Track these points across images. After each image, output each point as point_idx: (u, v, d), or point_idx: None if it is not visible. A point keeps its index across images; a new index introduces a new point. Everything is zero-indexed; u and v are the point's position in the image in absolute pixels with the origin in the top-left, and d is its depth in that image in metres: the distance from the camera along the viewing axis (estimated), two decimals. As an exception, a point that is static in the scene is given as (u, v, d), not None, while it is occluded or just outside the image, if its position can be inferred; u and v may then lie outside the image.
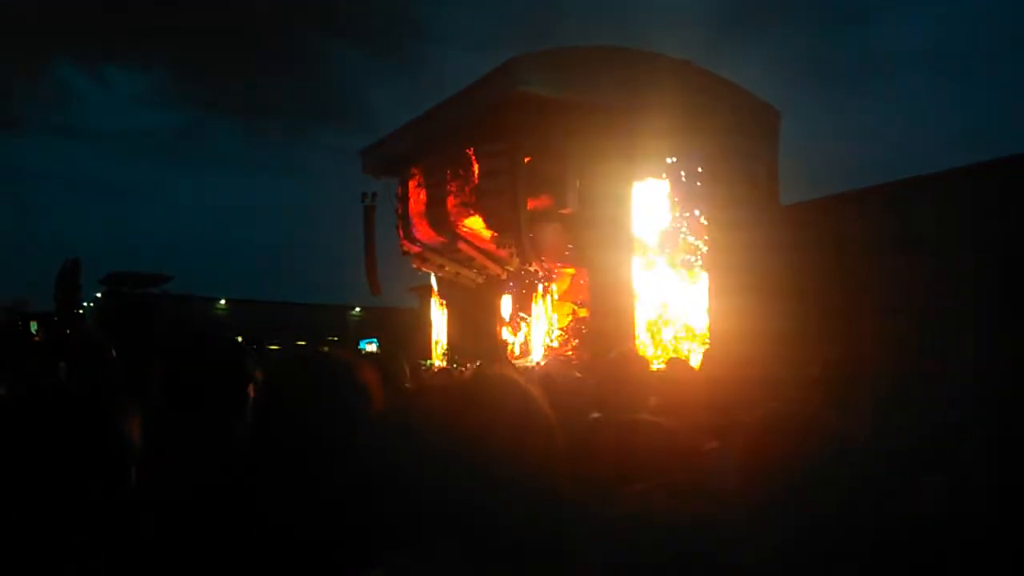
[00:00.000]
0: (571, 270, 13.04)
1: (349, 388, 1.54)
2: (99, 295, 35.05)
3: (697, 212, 10.79)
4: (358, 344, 21.25)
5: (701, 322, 10.54)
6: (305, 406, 1.51)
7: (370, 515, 1.07)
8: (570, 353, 12.85)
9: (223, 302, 41.20)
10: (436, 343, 16.05)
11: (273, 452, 1.50)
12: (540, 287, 13.83)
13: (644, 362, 3.16)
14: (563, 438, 1.11)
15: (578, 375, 3.67)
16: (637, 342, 10.51)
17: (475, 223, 12.93)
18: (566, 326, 13.26)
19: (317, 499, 1.38)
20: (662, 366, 6.38)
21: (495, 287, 14.83)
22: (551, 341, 13.39)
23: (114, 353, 3.99)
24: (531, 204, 11.86)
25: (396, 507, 1.00)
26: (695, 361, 9.91)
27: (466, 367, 11.42)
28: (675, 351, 10.64)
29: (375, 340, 22.56)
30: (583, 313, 12.84)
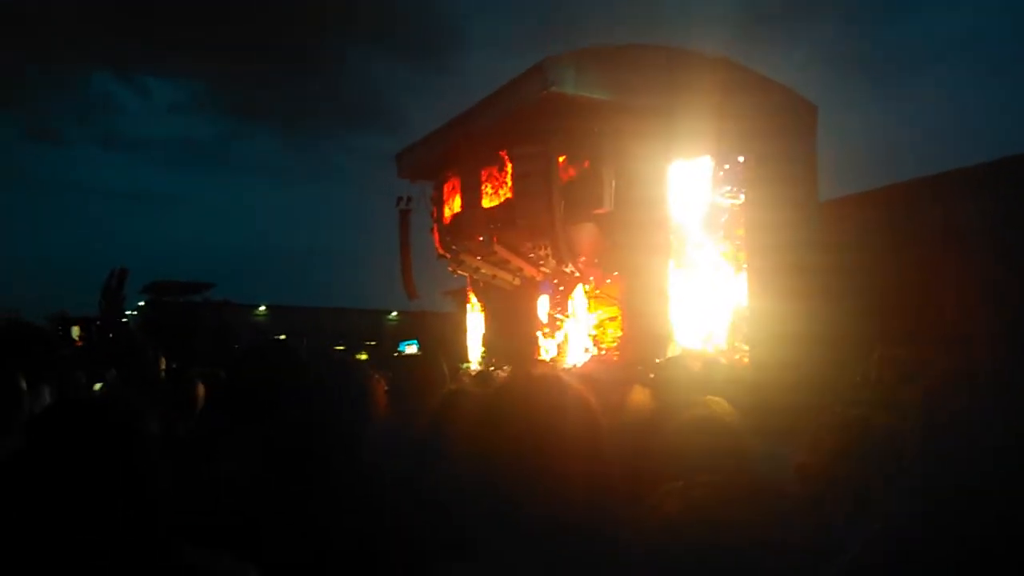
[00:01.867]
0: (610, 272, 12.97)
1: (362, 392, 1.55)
2: (142, 303, 35.73)
3: (740, 198, 10.65)
4: (398, 347, 21.38)
5: (743, 320, 10.42)
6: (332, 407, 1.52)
7: (419, 524, 1.06)
8: (605, 352, 12.79)
9: (263, 308, 41.75)
10: (474, 346, 16.06)
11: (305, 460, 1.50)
12: (577, 288, 13.78)
13: (696, 363, 3.13)
14: (610, 436, 1.09)
15: (619, 375, 3.63)
16: (680, 344, 10.40)
17: (510, 224, 12.93)
18: (603, 327, 13.20)
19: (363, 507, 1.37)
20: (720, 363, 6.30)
21: (531, 289, 14.81)
22: (589, 343, 13.34)
23: (163, 362, 4.04)
24: (566, 205, 11.83)
25: (445, 518, 0.99)
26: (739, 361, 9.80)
27: (503, 369, 11.40)
28: (720, 351, 10.52)
29: (415, 342, 22.69)
30: (613, 313, 12.80)
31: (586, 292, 13.66)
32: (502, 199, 12.88)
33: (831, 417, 1.50)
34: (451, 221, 14.48)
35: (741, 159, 10.45)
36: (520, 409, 1.04)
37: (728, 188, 10.57)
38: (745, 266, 10.30)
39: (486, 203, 13.22)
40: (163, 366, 3.41)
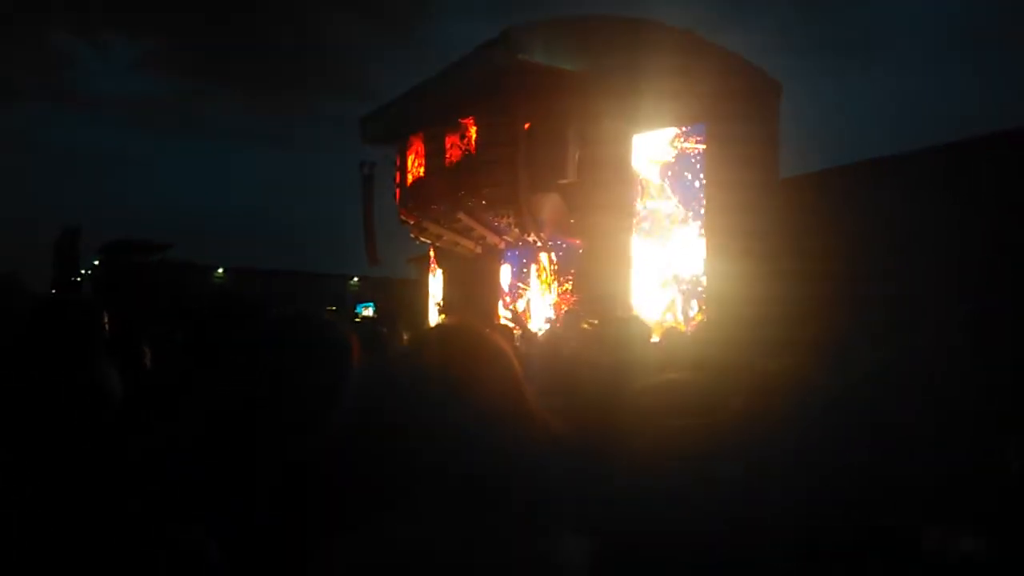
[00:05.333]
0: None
1: (333, 344, 1.55)
2: (96, 263, 34.98)
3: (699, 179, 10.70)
4: (355, 309, 21.26)
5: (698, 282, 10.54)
6: (295, 360, 1.53)
7: (351, 475, 1.08)
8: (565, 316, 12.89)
9: (221, 271, 41.18)
10: (434, 311, 16.08)
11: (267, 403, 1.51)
12: (540, 257, 13.84)
13: (647, 328, 3.19)
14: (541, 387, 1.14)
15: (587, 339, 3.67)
16: (635, 311, 10.51)
17: (474, 193, 12.90)
18: (563, 295, 13.31)
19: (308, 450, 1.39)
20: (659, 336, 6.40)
21: (494, 258, 14.83)
22: (549, 311, 13.44)
23: (105, 319, 3.99)
24: (530, 174, 11.83)
25: (378, 467, 1.01)
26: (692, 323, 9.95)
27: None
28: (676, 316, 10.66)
29: (372, 304, 22.57)
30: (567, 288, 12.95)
31: (549, 261, 13.73)
32: (466, 167, 12.84)
33: (769, 376, 1.68)
34: (414, 187, 14.39)
35: (700, 129, 10.53)
36: (436, 357, 1.09)
37: (693, 137, 10.59)
38: (703, 234, 10.42)
39: (450, 170, 13.16)
40: (105, 320, 3.35)
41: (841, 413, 1.84)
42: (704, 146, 10.56)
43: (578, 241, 12.66)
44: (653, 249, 11.19)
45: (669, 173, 11.03)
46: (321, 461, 1.26)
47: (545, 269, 13.85)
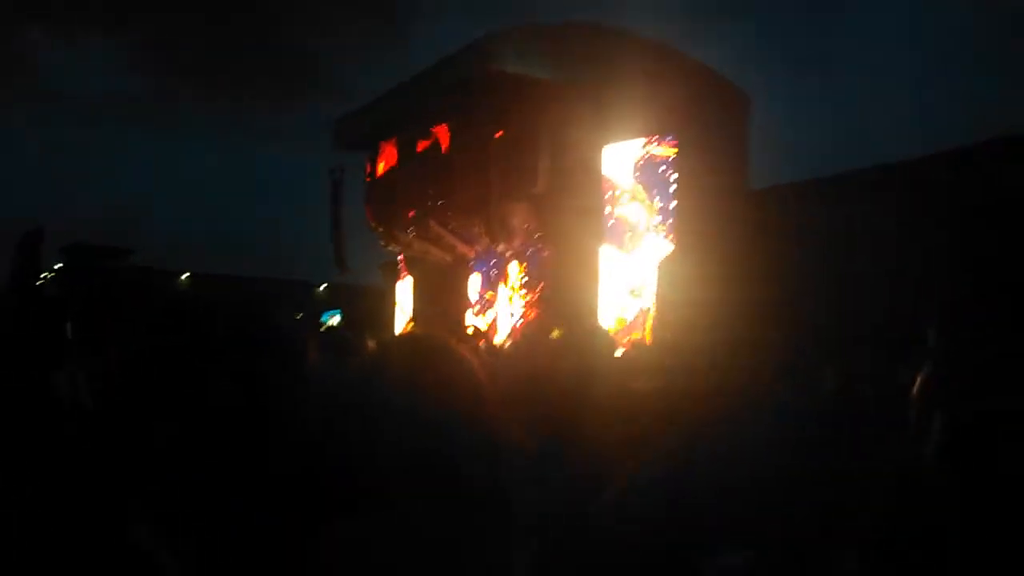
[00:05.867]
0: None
1: (286, 344, 1.54)
2: (58, 266, 34.37)
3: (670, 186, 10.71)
4: (320, 317, 21.04)
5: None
6: (251, 358, 1.51)
7: (326, 473, 1.08)
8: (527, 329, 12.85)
9: (185, 276, 40.64)
10: (402, 320, 15.98)
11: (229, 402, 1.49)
12: (510, 267, 13.83)
13: (611, 339, 3.19)
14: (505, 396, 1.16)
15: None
16: (599, 322, 10.53)
17: (444, 200, 12.86)
18: (531, 304, 13.30)
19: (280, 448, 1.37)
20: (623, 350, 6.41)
21: (464, 266, 14.79)
22: (517, 322, 13.41)
23: (68, 327, 3.92)
24: (500, 183, 11.83)
25: (354, 463, 1.01)
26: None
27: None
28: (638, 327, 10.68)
29: (338, 312, 22.33)
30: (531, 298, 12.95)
31: (518, 272, 13.72)
32: (437, 173, 12.81)
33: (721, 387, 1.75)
34: (384, 194, 14.32)
35: (671, 139, 10.57)
36: (402, 363, 1.13)
37: (664, 138, 10.59)
38: (670, 241, 10.45)
39: (420, 177, 13.12)
40: (68, 325, 3.29)
41: (795, 422, 1.89)
42: (675, 151, 10.58)
43: (547, 251, 12.67)
44: (622, 257, 11.22)
45: (637, 174, 11.02)
46: (284, 462, 1.24)
47: (514, 279, 13.83)
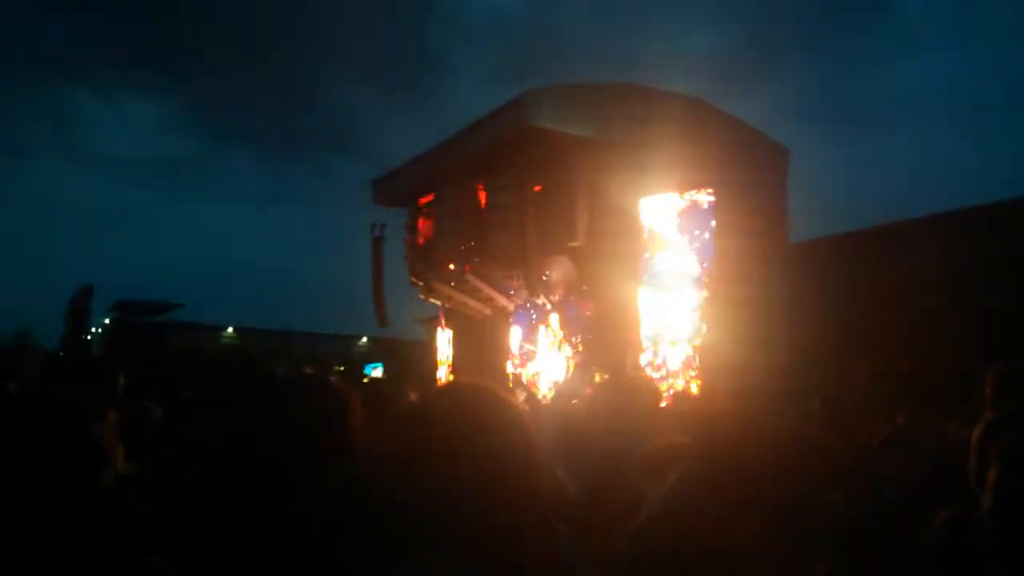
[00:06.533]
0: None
1: (335, 404, 1.56)
2: (107, 321, 35.14)
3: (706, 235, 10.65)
4: (363, 369, 21.20)
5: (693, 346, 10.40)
6: (284, 422, 1.54)
7: (353, 528, 1.07)
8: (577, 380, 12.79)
9: (231, 330, 41.26)
10: (443, 373, 16.01)
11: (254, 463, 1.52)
12: (549, 319, 13.82)
13: (656, 391, 3.18)
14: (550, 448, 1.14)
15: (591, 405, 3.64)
16: (643, 373, 10.44)
17: (483, 254, 12.96)
18: (573, 356, 13.24)
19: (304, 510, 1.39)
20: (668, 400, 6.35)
21: (503, 319, 14.82)
22: (557, 374, 13.35)
23: (122, 380, 4.02)
24: (539, 236, 11.90)
25: (386, 521, 1.00)
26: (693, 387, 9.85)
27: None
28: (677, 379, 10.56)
29: (380, 364, 22.51)
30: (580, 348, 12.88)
31: (559, 323, 13.70)
32: (476, 228, 12.93)
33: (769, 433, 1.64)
34: (424, 248, 14.49)
35: (710, 193, 10.55)
36: (447, 416, 1.07)
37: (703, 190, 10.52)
38: (706, 295, 10.37)
39: (460, 232, 13.26)
40: (121, 381, 3.37)
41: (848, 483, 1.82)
42: (713, 198, 10.53)
43: (587, 304, 12.67)
44: (662, 305, 11.12)
45: (678, 221, 10.95)
46: (324, 514, 1.26)
47: (554, 331, 13.81)
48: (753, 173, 10.46)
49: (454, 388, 1.19)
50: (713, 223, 10.54)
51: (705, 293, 10.51)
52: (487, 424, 1.06)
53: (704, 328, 10.34)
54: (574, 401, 4.92)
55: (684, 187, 10.85)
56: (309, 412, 1.60)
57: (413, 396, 3.72)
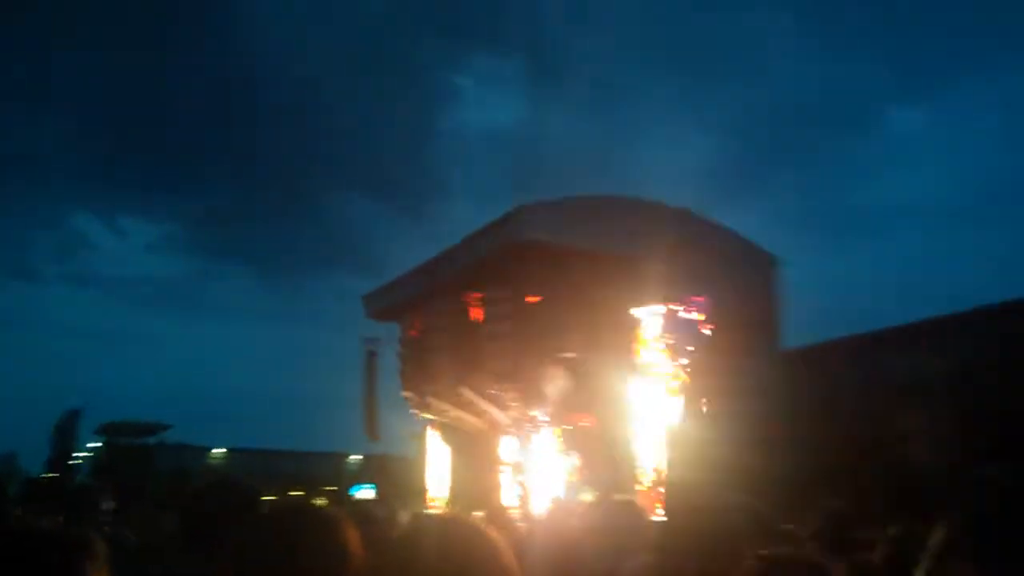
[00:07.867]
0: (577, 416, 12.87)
1: (328, 537, 1.52)
2: (96, 444, 34.53)
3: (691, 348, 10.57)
4: (348, 492, 20.78)
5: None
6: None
7: None
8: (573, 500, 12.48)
9: (220, 451, 40.52)
10: (433, 490, 15.64)
11: None
12: (544, 433, 13.62)
13: (643, 510, 3.13)
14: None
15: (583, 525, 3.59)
16: (641, 489, 10.20)
17: (477, 367, 12.90)
18: (570, 474, 12.97)
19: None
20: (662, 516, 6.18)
21: (498, 432, 14.61)
22: (555, 490, 13.05)
23: (112, 504, 3.93)
24: (533, 348, 11.89)
25: None
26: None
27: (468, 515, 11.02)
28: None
29: (374, 486, 22.05)
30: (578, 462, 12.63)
31: (555, 435, 13.49)
32: (469, 341, 12.93)
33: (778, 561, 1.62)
34: (417, 363, 14.43)
35: (701, 303, 10.57)
36: (428, 552, 1.12)
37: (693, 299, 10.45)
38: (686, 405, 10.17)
39: (453, 345, 13.25)
40: (105, 506, 3.28)
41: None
42: (700, 310, 10.52)
43: (583, 415, 12.52)
44: (652, 408, 10.89)
45: (667, 330, 10.83)
46: None
47: (549, 444, 13.58)
48: (742, 280, 10.58)
49: (440, 522, 1.26)
50: (703, 331, 10.53)
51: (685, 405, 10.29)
52: (473, 563, 1.12)
53: (680, 441, 10.05)
54: (571, 517, 4.81)
55: (675, 296, 10.92)
56: (309, 547, 1.55)
57: (404, 519, 3.65)
